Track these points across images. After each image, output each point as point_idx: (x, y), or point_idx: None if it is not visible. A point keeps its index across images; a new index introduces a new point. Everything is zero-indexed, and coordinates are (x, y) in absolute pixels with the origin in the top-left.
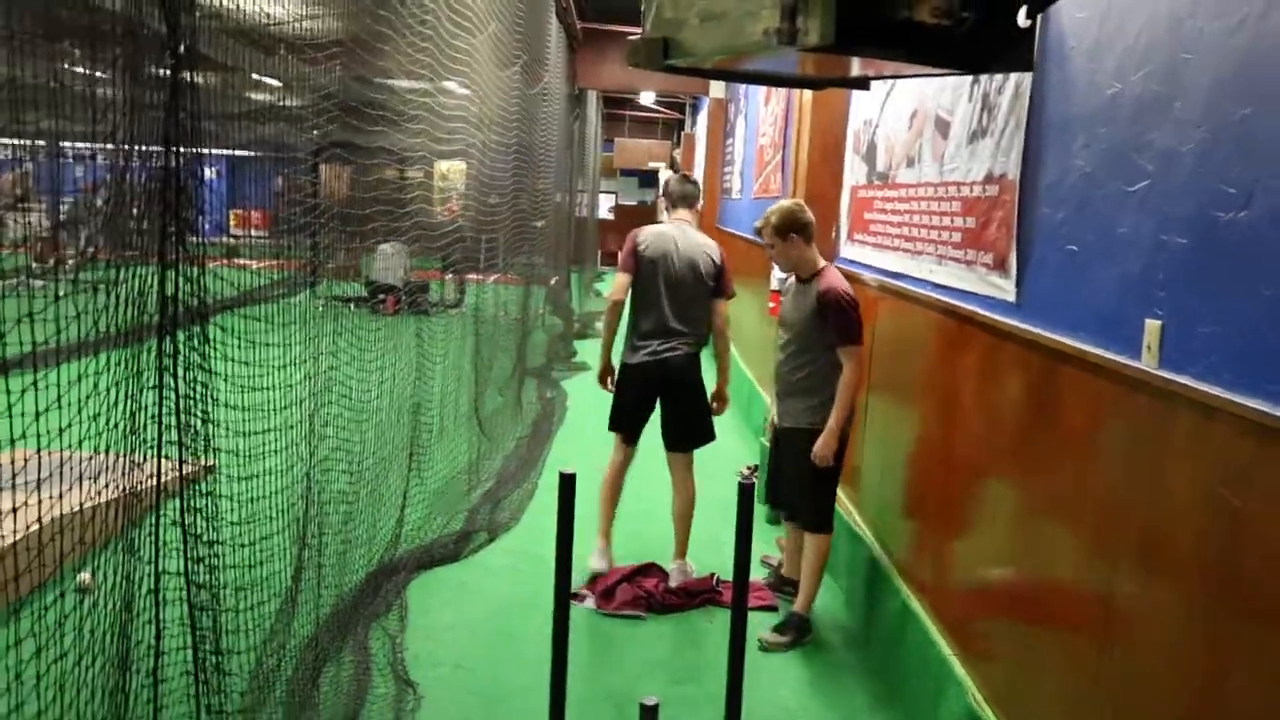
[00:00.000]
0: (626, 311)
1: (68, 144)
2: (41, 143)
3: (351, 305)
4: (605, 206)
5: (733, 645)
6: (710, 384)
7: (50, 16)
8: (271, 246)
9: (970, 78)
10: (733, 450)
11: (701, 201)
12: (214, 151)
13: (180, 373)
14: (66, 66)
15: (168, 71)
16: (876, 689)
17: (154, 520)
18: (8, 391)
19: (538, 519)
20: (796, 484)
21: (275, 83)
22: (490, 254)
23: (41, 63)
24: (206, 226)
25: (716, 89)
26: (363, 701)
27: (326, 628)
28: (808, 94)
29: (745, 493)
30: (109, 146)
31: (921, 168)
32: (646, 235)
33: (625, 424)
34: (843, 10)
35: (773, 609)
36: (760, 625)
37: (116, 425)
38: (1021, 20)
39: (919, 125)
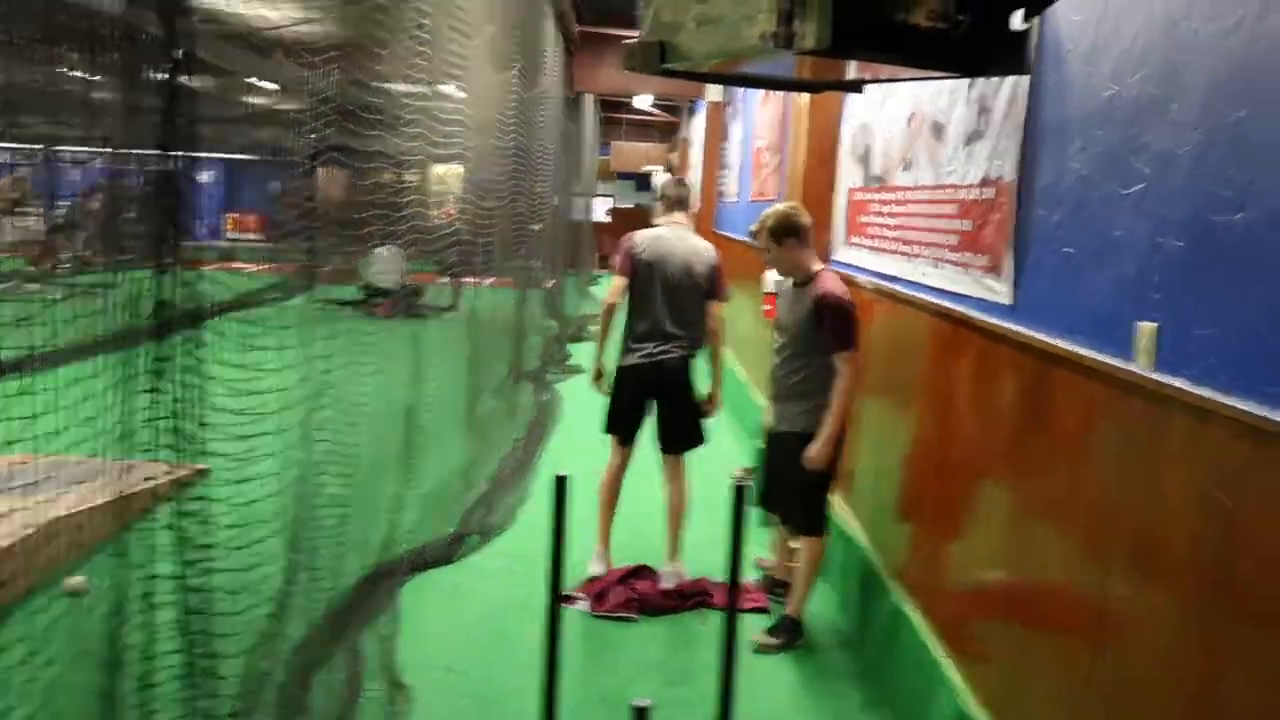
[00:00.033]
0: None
1: (65, 148)
2: (39, 147)
3: (348, 308)
4: (602, 210)
5: (725, 647)
6: (702, 386)
7: (49, 21)
8: (268, 251)
9: (966, 81)
10: (727, 452)
11: (697, 205)
12: (211, 155)
13: (174, 376)
14: (65, 71)
15: (165, 76)
16: (869, 691)
17: (148, 524)
18: (4, 396)
19: (531, 521)
20: (790, 488)
21: (272, 86)
22: (486, 257)
23: (40, 67)
24: (203, 230)
25: (713, 92)
26: (355, 704)
27: (319, 631)
28: (804, 97)
29: (739, 495)
30: (106, 150)
31: (917, 171)
32: (642, 239)
33: (620, 426)
34: (839, 14)
35: (765, 611)
36: (753, 628)
37: (110, 429)
38: (1017, 23)
39: (915, 128)
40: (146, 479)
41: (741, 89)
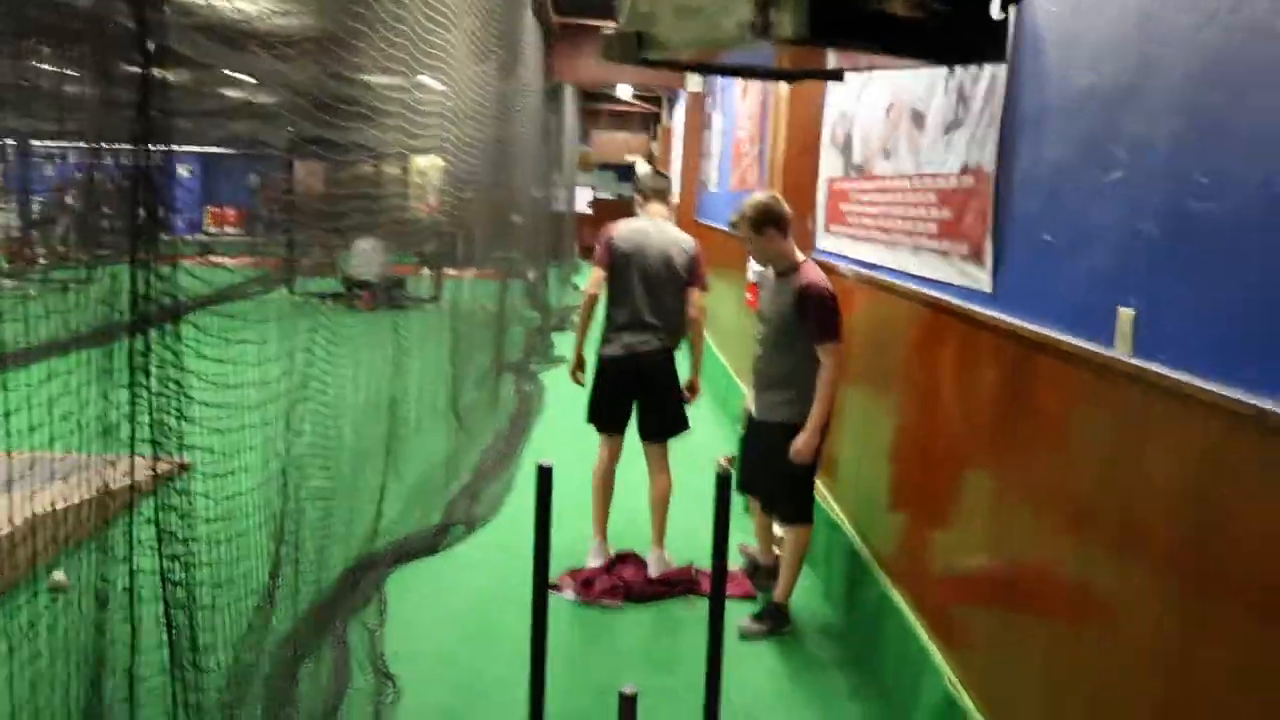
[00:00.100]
0: (602, 305)
1: (37, 143)
2: (11, 141)
3: (328, 301)
4: (583, 200)
5: (711, 634)
6: (683, 373)
7: (18, 14)
8: (247, 244)
9: (945, 70)
10: (710, 440)
11: (677, 196)
12: (188, 149)
13: (153, 370)
14: (35, 64)
15: (138, 69)
16: (855, 678)
17: (129, 518)
18: None
19: (516, 511)
20: (774, 478)
21: (248, 79)
22: (467, 248)
23: (9, 60)
24: (181, 224)
25: (694, 82)
26: (342, 696)
27: (305, 623)
28: (784, 87)
29: (723, 482)
30: (80, 145)
31: (897, 159)
32: (621, 230)
33: (604, 416)
34: (816, 3)
35: (751, 597)
36: (739, 614)
37: (89, 424)
38: (995, 12)
39: (895, 117)
40: (127, 474)
41: (721, 79)
